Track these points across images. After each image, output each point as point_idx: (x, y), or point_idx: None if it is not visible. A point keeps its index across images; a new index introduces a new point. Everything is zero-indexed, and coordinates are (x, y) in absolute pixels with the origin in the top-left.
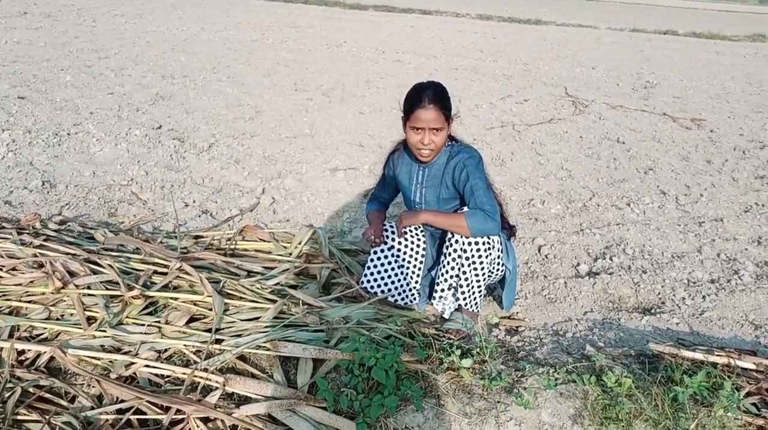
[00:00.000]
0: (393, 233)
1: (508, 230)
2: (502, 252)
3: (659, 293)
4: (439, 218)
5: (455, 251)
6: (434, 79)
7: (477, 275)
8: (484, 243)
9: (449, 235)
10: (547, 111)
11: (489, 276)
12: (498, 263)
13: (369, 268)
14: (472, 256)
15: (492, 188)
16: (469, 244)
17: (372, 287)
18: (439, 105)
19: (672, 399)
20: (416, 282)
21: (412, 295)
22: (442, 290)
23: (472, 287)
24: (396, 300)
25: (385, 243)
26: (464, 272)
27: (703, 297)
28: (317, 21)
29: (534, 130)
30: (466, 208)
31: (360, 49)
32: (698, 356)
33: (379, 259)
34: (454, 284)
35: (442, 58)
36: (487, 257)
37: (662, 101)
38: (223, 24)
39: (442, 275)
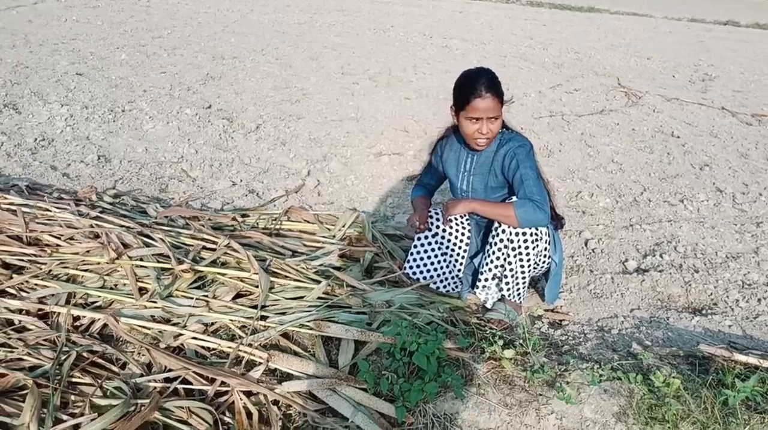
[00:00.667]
0: (438, 219)
1: (556, 220)
2: (549, 244)
3: (711, 294)
4: (487, 207)
5: (501, 240)
6: (483, 65)
7: (522, 266)
8: (531, 234)
9: (495, 224)
10: (599, 102)
11: (534, 268)
12: (544, 255)
13: (412, 254)
14: (519, 246)
15: (542, 178)
16: (516, 234)
17: (414, 274)
18: (495, 92)
19: (722, 403)
20: (459, 270)
21: (455, 283)
22: (486, 280)
23: (517, 278)
24: (438, 287)
25: (429, 229)
26: (510, 263)
27: (759, 300)
28: (365, 5)
29: (584, 121)
30: (514, 198)
31: (407, 34)
32: (752, 360)
33: (422, 245)
34: (499, 274)
35: (491, 44)
36: (534, 248)
37: (721, 95)
38: (272, 6)
39: (487, 264)
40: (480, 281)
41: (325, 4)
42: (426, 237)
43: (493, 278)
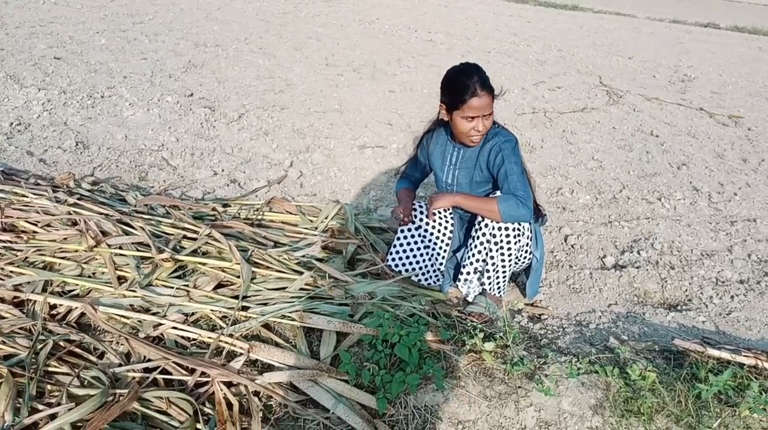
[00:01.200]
0: (422, 212)
1: (539, 216)
2: (531, 239)
3: (686, 290)
4: (471, 201)
5: (484, 235)
6: (468, 60)
7: (504, 261)
8: (514, 229)
9: (479, 218)
10: (580, 99)
11: (516, 262)
12: (526, 251)
13: (395, 246)
14: (501, 241)
15: (526, 174)
16: (499, 229)
17: (397, 266)
18: (489, 89)
19: (696, 397)
20: (441, 263)
21: (437, 276)
22: (468, 273)
23: (498, 272)
24: (420, 280)
25: (413, 222)
26: (491, 257)
27: (732, 297)
28: None
29: (566, 119)
30: (498, 193)
31: (392, 27)
32: (725, 355)
33: (405, 238)
34: (480, 268)
35: (475, 39)
36: (515, 243)
37: (699, 96)
38: None
39: (469, 258)
40: (462, 274)
41: None
42: (409, 230)
43: (474, 272)
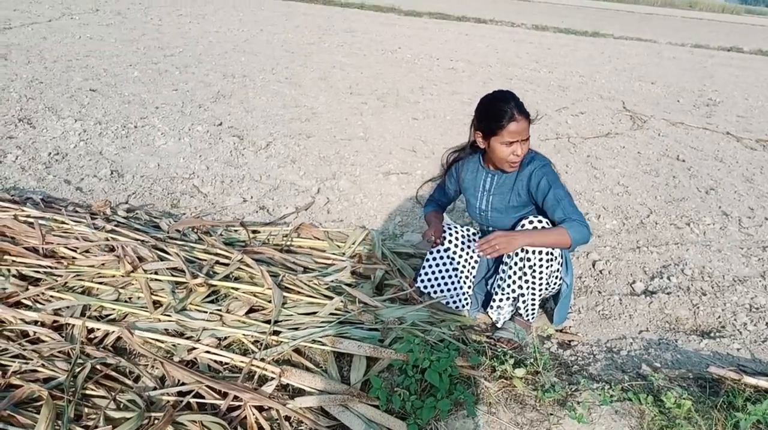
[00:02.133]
0: (451, 234)
1: None
2: (561, 265)
3: (719, 317)
4: (539, 237)
5: (516, 263)
6: (491, 88)
7: (536, 286)
8: (547, 253)
9: None
10: (604, 125)
11: (547, 288)
12: (556, 277)
13: (424, 268)
14: (534, 265)
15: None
16: (533, 252)
17: (426, 288)
18: (526, 114)
19: (734, 426)
20: (469, 287)
21: (466, 299)
22: (500, 300)
23: (529, 297)
24: (448, 303)
25: (443, 244)
26: (526, 282)
27: (767, 324)
28: (373, 26)
29: (590, 144)
30: (531, 218)
31: (415, 56)
32: (762, 383)
33: (434, 259)
34: (514, 295)
35: (497, 67)
36: (548, 268)
37: (725, 120)
38: (282, 26)
39: (500, 285)
40: (495, 301)
41: (334, 25)
42: (438, 251)
43: (507, 298)
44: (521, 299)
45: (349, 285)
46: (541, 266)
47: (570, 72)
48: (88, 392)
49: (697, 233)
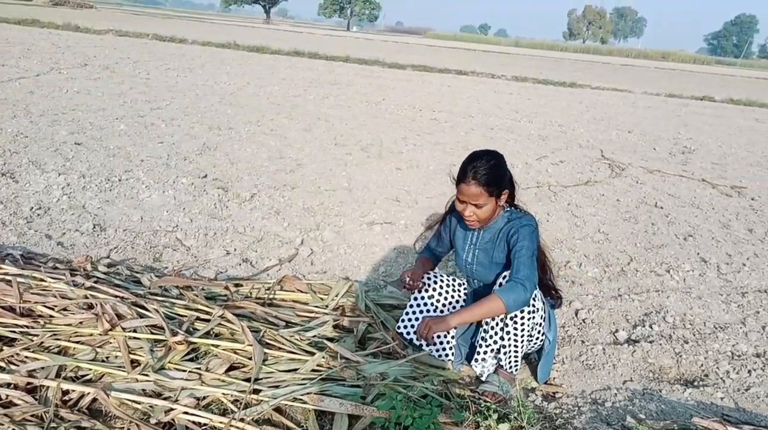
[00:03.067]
0: (435, 282)
1: (555, 299)
2: (544, 320)
3: (702, 365)
4: (469, 313)
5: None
6: (472, 137)
7: (517, 338)
8: (528, 307)
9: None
10: (583, 173)
11: (529, 341)
12: (538, 331)
13: (407, 313)
14: (514, 317)
15: (544, 256)
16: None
17: (408, 334)
18: (483, 182)
19: None
20: (453, 337)
21: (451, 349)
22: (485, 352)
23: (510, 350)
24: (431, 351)
25: (419, 290)
26: (507, 333)
27: (749, 371)
28: (357, 79)
29: (570, 192)
30: (496, 287)
31: (398, 107)
32: None
33: (418, 306)
34: (496, 348)
35: (478, 117)
36: (529, 320)
37: (701, 167)
38: (267, 79)
39: (483, 336)
40: (478, 354)
41: (319, 77)
42: (423, 298)
43: (491, 351)
44: (503, 350)
45: (331, 339)
46: (522, 317)
47: (549, 122)
48: None
49: (677, 279)
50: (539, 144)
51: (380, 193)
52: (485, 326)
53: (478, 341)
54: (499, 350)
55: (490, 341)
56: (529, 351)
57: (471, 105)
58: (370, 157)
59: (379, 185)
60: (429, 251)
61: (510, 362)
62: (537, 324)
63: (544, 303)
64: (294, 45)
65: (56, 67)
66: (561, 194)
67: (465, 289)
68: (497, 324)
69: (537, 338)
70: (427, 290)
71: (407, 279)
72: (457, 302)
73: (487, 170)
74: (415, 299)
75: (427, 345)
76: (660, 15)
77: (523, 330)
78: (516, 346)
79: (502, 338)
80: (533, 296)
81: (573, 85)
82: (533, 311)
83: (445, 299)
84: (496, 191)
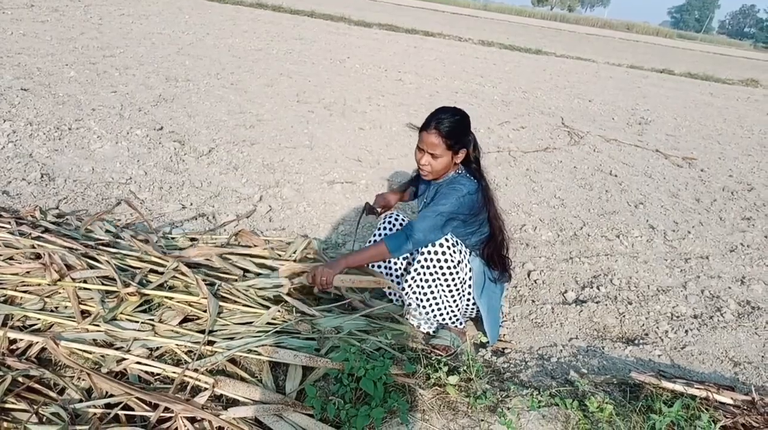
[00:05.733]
0: (396, 219)
1: (501, 271)
2: (473, 287)
3: (643, 325)
4: (357, 256)
5: (415, 269)
6: (437, 100)
7: (436, 295)
8: (423, 264)
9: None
10: (543, 140)
11: (456, 295)
12: (469, 292)
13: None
14: (429, 269)
15: (497, 221)
16: (416, 263)
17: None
18: (443, 134)
19: (650, 427)
20: (397, 276)
21: (398, 286)
22: (409, 305)
23: (443, 305)
24: (388, 293)
25: (378, 213)
26: (429, 287)
27: (686, 331)
28: (322, 35)
29: (529, 158)
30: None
31: (363, 66)
32: (678, 387)
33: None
34: (420, 301)
35: (443, 80)
36: (438, 273)
37: (655, 138)
38: (228, 31)
39: (407, 291)
40: (409, 304)
41: (282, 32)
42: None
43: (417, 304)
44: (433, 306)
45: (287, 294)
46: (430, 268)
47: (513, 87)
48: (7, 406)
49: (626, 245)
50: (502, 109)
51: (342, 152)
52: (407, 280)
53: (406, 296)
54: (425, 306)
55: (411, 293)
56: (469, 315)
57: (437, 67)
58: (333, 116)
59: (341, 144)
60: (408, 184)
61: (447, 317)
62: (462, 282)
63: (468, 265)
64: None
65: None
66: (520, 160)
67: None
68: (413, 278)
69: (468, 300)
70: (378, 214)
71: (379, 209)
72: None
73: (450, 124)
74: (379, 229)
75: (320, 291)
76: None
77: (442, 288)
78: (437, 301)
79: (425, 294)
80: (444, 253)
81: (538, 52)
82: (426, 269)
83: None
84: (454, 146)
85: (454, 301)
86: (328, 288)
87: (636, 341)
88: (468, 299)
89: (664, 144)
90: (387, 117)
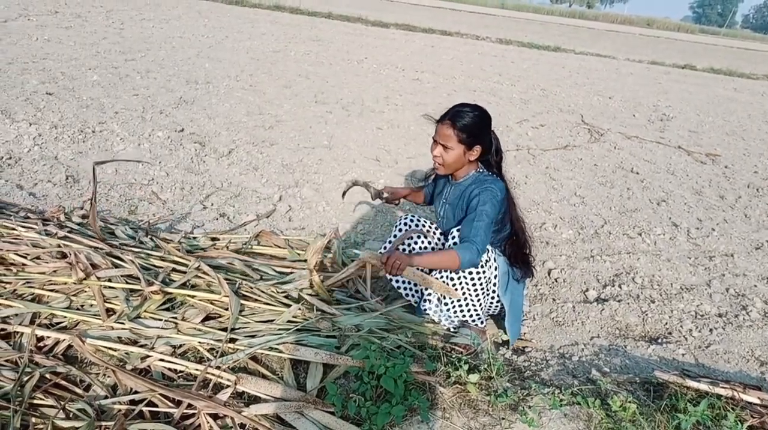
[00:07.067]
0: (416, 226)
1: (522, 268)
2: (497, 286)
3: (666, 324)
4: (428, 258)
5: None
6: (455, 99)
7: (469, 293)
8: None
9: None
10: (563, 137)
11: (480, 294)
12: (493, 291)
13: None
14: (459, 276)
15: (521, 224)
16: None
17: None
18: (458, 126)
19: (675, 427)
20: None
21: (418, 293)
22: (429, 302)
23: (467, 303)
24: (407, 295)
25: (386, 197)
26: (454, 283)
27: (710, 330)
28: (339, 36)
29: (549, 156)
30: (461, 236)
31: (380, 66)
32: (703, 387)
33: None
34: (444, 297)
35: (461, 79)
36: (476, 278)
37: (678, 134)
38: (247, 33)
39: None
40: (429, 301)
41: (300, 33)
42: (409, 243)
43: (439, 301)
44: (457, 305)
45: (308, 293)
46: (465, 277)
47: (531, 85)
48: (36, 401)
49: (648, 242)
50: (521, 107)
51: (360, 152)
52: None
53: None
54: (448, 304)
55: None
56: (492, 313)
57: (454, 66)
58: (351, 116)
59: (359, 144)
60: (422, 186)
61: (469, 316)
62: (487, 281)
63: (494, 262)
64: None
65: (25, 14)
66: (540, 158)
67: (438, 229)
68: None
69: (491, 298)
70: (386, 198)
71: (385, 195)
72: (430, 244)
73: (466, 118)
74: (396, 237)
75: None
76: None
77: (463, 283)
78: (469, 299)
79: (445, 283)
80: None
81: (557, 50)
82: (479, 272)
83: (423, 242)
84: (467, 140)
85: (478, 299)
86: (396, 274)
87: (659, 340)
88: (492, 298)
89: (687, 140)
90: (405, 117)
